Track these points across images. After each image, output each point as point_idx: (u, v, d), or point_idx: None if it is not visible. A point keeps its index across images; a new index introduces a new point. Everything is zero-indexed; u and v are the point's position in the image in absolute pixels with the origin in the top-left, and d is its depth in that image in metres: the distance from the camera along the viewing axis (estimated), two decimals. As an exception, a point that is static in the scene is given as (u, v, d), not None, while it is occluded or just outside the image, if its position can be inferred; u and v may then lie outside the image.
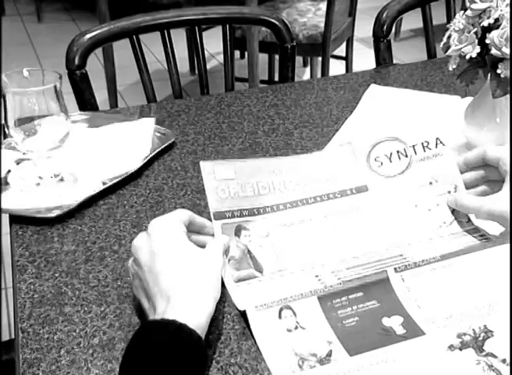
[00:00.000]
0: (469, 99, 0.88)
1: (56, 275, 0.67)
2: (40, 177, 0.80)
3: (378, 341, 0.54)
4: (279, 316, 0.57)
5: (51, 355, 0.56)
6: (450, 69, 0.82)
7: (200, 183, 0.81)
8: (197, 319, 0.53)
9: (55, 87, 0.75)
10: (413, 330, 0.55)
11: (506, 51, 0.74)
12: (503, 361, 0.52)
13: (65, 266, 0.68)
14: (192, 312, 0.53)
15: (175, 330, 0.51)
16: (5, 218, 0.76)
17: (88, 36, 1.10)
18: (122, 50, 1.71)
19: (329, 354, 0.54)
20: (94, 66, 1.39)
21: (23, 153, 0.79)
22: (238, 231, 0.66)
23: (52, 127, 0.77)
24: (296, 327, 0.56)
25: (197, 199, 0.80)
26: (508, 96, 0.80)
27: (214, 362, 0.55)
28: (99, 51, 1.36)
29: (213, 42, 2.00)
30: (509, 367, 0.52)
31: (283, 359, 0.54)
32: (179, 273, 0.56)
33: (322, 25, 2.31)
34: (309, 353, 0.54)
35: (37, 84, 0.76)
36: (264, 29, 2.21)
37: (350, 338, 0.55)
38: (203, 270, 0.58)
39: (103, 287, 0.65)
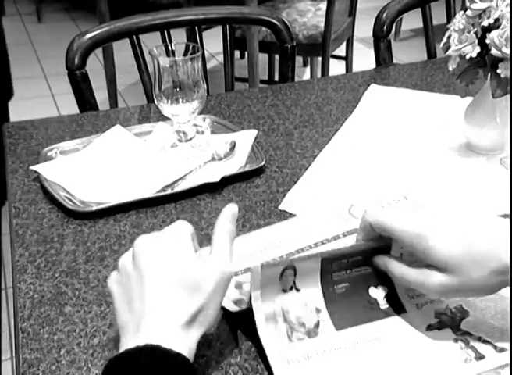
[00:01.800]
0: (469, 99, 0.88)
1: (56, 275, 0.67)
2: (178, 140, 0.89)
3: (364, 315, 0.58)
4: (281, 276, 0.57)
5: (51, 355, 0.56)
6: (450, 69, 0.82)
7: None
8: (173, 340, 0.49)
9: (197, 57, 0.84)
10: (395, 306, 0.59)
11: (506, 51, 0.74)
12: (479, 339, 0.56)
13: (65, 266, 0.68)
14: (175, 335, 0.49)
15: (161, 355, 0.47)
16: (5, 218, 0.76)
17: (88, 36, 1.10)
18: (122, 50, 1.71)
19: (317, 325, 0.56)
20: (94, 66, 1.39)
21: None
22: None
23: (190, 96, 0.85)
24: (291, 288, 0.57)
25: (196, 199, 0.80)
26: (508, 96, 0.80)
27: (214, 362, 0.55)
28: (99, 51, 1.36)
29: (213, 42, 2.00)
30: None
31: (274, 327, 0.55)
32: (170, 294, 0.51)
33: (322, 25, 2.31)
34: (298, 322, 0.56)
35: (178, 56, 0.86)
36: (264, 29, 2.22)
37: (337, 308, 0.57)
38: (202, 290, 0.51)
39: (103, 287, 0.65)
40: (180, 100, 0.85)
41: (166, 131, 0.93)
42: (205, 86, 0.87)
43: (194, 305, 0.51)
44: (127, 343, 0.48)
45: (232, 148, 0.89)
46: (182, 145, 0.89)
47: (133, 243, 0.54)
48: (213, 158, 0.87)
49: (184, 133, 0.88)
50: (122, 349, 0.48)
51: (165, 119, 0.92)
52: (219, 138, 0.92)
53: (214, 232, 0.55)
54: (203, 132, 0.94)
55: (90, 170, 0.85)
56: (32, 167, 0.84)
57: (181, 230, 0.55)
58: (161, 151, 0.90)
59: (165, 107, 0.85)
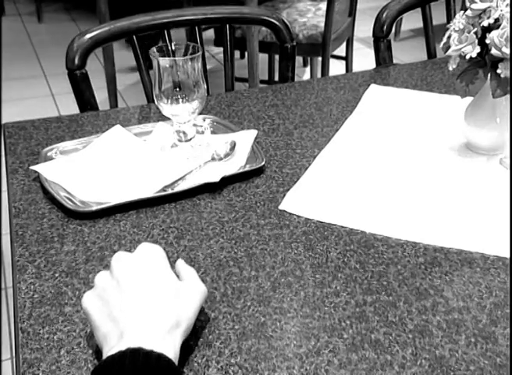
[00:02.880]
0: (469, 99, 0.88)
1: (56, 275, 0.67)
2: (179, 140, 0.89)
3: None
4: None
5: (51, 355, 0.56)
6: (450, 69, 0.82)
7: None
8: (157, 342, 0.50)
9: (197, 57, 0.84)
10: None
11: (506, 51, 0.74)
12: None
13: (65, 266, 0.68)
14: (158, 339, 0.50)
15: (155, 358, 0.48)
16: (5, 218, 0.76)
17: (88, 36, 1.10)
18: (122, 50, 1.71)
19: None
20: (94, 66, 1.39)
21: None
22: None
23: (190, 96, 0.85)
24: None
25: (196, 199, 0.80)
26: (508, 96, 0.80)
27: (214, 362, 0.55)
28: (99, 51, 1.36)
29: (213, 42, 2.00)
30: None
31: None
32: (156, 303, 0.53)
33: (322, 25, 2.31)
34: None
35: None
36: (264, 29, 2.22)
37: None
38: (183, 302, 0.55)
39: (103, 287, 0.65)
40: (180, 100, 0.85)
41: (166, 131, 0.93)
42: (205, 86, 0.87)
43: (176, 311, 0.53)
44: (112, 350, 0.49)
45: (232, 148, 0.89)
46: (182, 145, 0.89)
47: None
48: (213, 158, 0.87)
49: (184, 133, 0.88)
50: (106, 356, 0.49)
51: (165, 119, 0.92)
52: (219, 138, 0.92)
53: (178, 266, 0.60)
54: (203, 132, 0.94)
55: (90, 170, 0.85)
56: (32, 167, 0.84)
57: (155, 249, 0.59)
58: (161, 151, 0.90)
59: (165, 107, 0.85)
